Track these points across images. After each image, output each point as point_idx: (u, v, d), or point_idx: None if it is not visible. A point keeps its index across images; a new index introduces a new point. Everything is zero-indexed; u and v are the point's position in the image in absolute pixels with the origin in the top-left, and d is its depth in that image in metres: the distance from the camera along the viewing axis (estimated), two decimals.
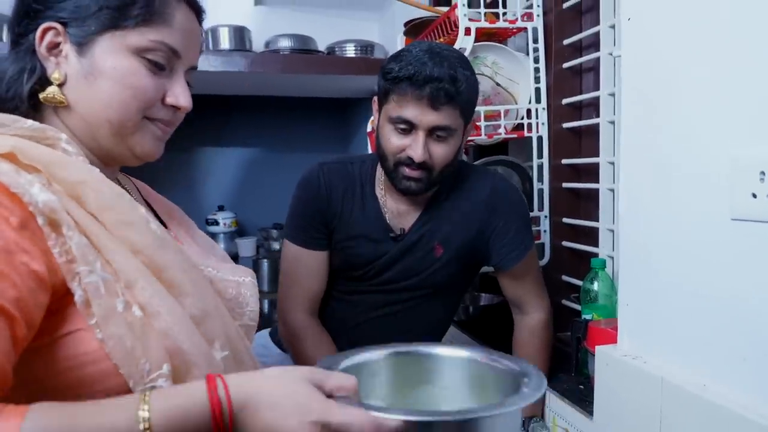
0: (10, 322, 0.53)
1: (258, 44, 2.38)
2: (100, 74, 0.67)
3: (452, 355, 0.87)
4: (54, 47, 0.68)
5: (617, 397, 0.97)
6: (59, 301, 0.58)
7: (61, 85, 0.67)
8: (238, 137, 3.16)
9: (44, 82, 0.68)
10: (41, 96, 0.67)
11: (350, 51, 2.42)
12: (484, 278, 1.79)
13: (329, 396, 0.59)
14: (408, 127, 1.10)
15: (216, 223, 2.92)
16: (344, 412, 0.57)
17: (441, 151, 1.12)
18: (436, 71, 1.06)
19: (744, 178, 0.74)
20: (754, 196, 0.72)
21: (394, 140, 1.12)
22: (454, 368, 0.86)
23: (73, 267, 0.57)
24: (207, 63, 2.14)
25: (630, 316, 0.98)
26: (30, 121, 0.64)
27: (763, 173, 0.71)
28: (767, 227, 0.71)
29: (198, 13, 0.74)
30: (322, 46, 2.47)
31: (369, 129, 2.00)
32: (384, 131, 1.14)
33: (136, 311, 0.59)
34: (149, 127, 0.71)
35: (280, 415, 0.55)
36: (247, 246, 2.91)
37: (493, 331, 1.60)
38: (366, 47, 2.43)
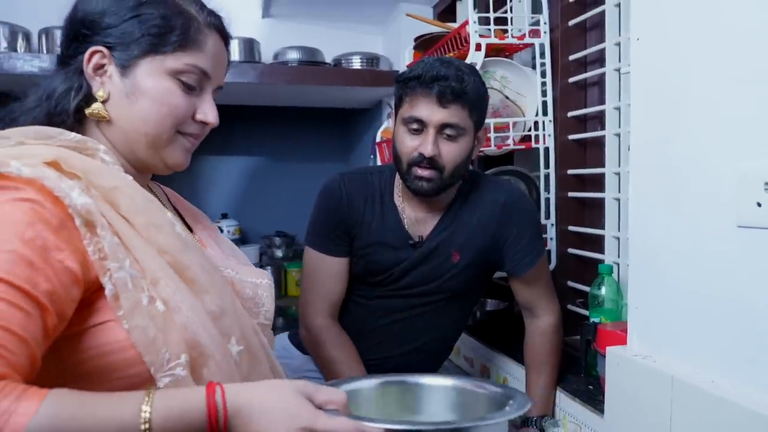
0: (43, 312, 0.59)
1: (266, 56, 2.44)
2: (141, 93, 0.75)
3: (439, 384, 0.96)
4: (99, 68, 0.75)
5: (628, 396, 1.03)
6: (91, 295, 0.65)
7: (104, 102, 0.75)
8: (242, 146, 3.21)
9: (89, 98, 0.75)
10: (87, 111, 0.75)
11: (356, 63, 2.48)
12: (490, 285, 1.85)
13: (319, 408, 0.65)
14: (419, 127, 1.17)
15: (220, 230, 2.95)
16: (330, 420, 0.64)
17: (450, 150, 1.18)
18: (443, 71, 1.14)
19: (749, 188, 0.80)
20: (759, 205, 0.79)
21: (407, 141, 1.19)
22: (441, 395, 0.95)
23: (105, 264, 0.64)
24: None
25: (639, 318, 1.04)
26: (73, 134, 0.71)
27: (767, 184, 0.77)
28: None
29: (226, 39, 0.82)
30: (328, 58, 2.53)
31: (378, 139, 2.06)
32: (398, 134, 1.22)
33: (159, 306, 0.66)
34: (180, 141, 0.79)
35: (271, 420, 0.62)
36: (250, 254, 2.95)
37: (498, 334, 1.67)
38: (372, 59, 2.50)
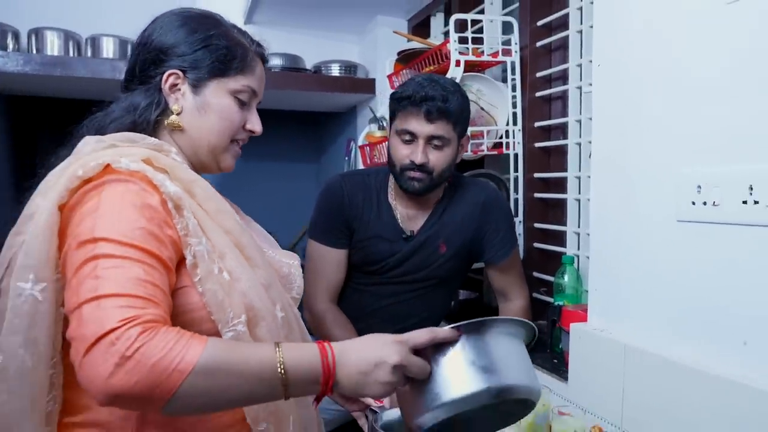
0: (168, 273, 0.74)
1: None
2: (209, 108, 0.91)
3: None
4: (174, 86, 0.90)
5: (588, 363, 1.23)
6: (176, 264, 0.79)
7: (177, 114, 0.90)
8: None
9: (165, 111, 0.90)
10: (166, 122, 0.90)
11: (335, 70, 2.63)
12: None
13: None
14: (411, 138, 1.36)
15: None
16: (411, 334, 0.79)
17: (438, 157, 1.37)
18: (430, 92, 1.33)
19: (686, 190, 1.01)
20: (693, 203, 0.99)
21: (400, 149, 1.38)
22: None
23: (187, 239, 0.78)
24: None
25: (598, 298, 1.24)
26: (152, 138, 0.87)
27: (699, 187, 0.98)
28: (703, 226, 0.98)
29: (265, 63, 0.99)
30: (308, 65, 2.67)
31: (361, 143, 2.22)
32: (393, 143, 1.40)
33: (225, 275, 0.80)
34: (233, 147, 0.96)
35: (366, 345, 0.77)
36: None
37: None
38: (349, 67, 2.65)
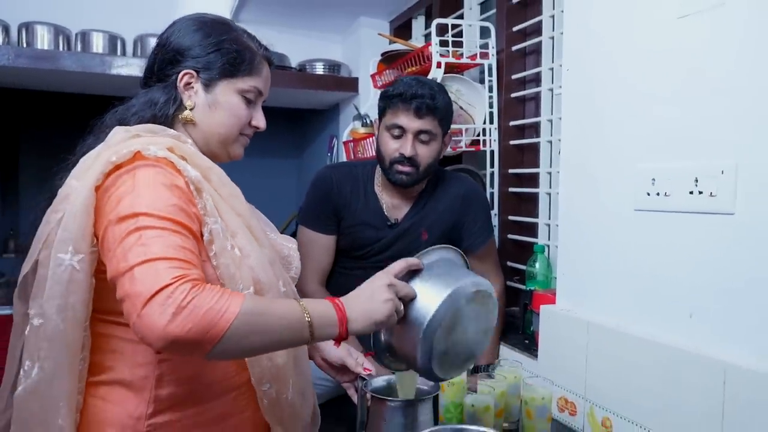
0: (198, 242, 0.85)
1: None
2: (218, 106, 1.00)
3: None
4: (188, 84, 0.99)
5: (555, 340, 1.35)
6: None
7: (191, 110, 0.99)
8: None
9: (179, 107, 0.99)
10: (180, 116, 0.99)
11: (320, 68, 2.72)
12: None
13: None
14: (400, 132, 1.47)
15: None
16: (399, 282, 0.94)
17: (425, 151, 1.48)
18: (419, 91, 1.45)
19: (642, 182, 1.13)
20: (648, 194, 1.12)
21: (390, 143, 1.48)
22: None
23: (205, 218, 0.88)
24: None
25: (566, 282, 1.37)
26: (171, 130, 0.96)
27: (653, 179, 1.11)
28: (657, 215, 1.11)
29: (271, 66, 1.08)
30: (293, 63, 2.75)
31: (345, 138, 2.32)
32: (382, 138, 1.50)
33: (236, 252, 0.90)
34: (241, 139, 1.05)
35: (361, 287, 0.93)
36: None
37: None
38: (333, 66, 2.75)
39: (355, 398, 1.19)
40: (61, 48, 2.33)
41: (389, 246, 1.53)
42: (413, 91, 1.44)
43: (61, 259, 0.81)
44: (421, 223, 1.55)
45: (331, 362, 1.19)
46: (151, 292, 0.73)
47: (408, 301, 0.95)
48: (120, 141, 0.88)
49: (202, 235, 0.87)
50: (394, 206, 1.56)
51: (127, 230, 0.79)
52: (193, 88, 0.99)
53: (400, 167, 1.47)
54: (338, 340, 0.89)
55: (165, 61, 0.99)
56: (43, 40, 2.30)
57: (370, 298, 0.90)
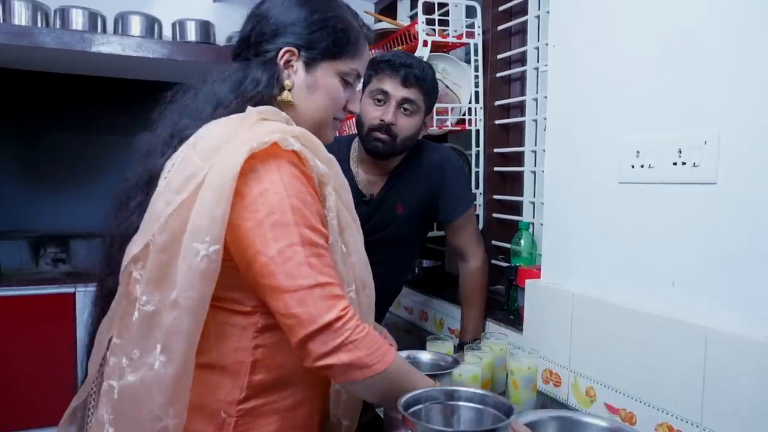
0: (326, 251, 0.84)
1: (220, 39, 2.60)
2: (318, 88, 0.96)
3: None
4: (288, 63, 0.94)
5: (541, 313, 1.37)
6: None
7: (289, 90, 0.94)
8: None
9: (278, 86, 0.93)
10: (279, 98, 0.94)
11: None
12: (425, 248, 2.17)
13: None
14: (383, 99, 1.47)
15: None
16: None
17: (405, 122, 1.48)
18: (409, 61, 1.47)
19: (626, 155, 1.15)
20: (633, 167, 1.14)
21: (371, 110, 1.48)
22: None
23: (326, 213, 0.87)
24: (176, 52, 2.34)
25: (550, 256, 1.39)
26: (283, 114, 0.91)
27: (638, 152, 1.12)
28: (641, 187, 1.13)
29: (371, 46, 1.05)
30: None
31: None
32: (364, 105, 1.50)
33: (343, 247, 0.90)
34: (333, 123, 1.01)
35: None
36: None
37: (433, 286, 2.04)
38: None
39: None
40: (39, 24, 2.28)
41: (365, 221, 1.51)
42: (402, 60, 1.45)
43: (196, 249, 0.77)
44: (397, 197, 1.55)
45: None
46: (321, 324, 0.78)
47: None
48: (254, 123, 0.84)
49: None
50: (369, 182, 1.57)
51: (289, 242, 0.79)
52: (292, 66, 0.94)
53: (377, 134, 1.47)
54: None
55: (264, 35, 0.93)
56: (21, 16, 2.24)
57: None
